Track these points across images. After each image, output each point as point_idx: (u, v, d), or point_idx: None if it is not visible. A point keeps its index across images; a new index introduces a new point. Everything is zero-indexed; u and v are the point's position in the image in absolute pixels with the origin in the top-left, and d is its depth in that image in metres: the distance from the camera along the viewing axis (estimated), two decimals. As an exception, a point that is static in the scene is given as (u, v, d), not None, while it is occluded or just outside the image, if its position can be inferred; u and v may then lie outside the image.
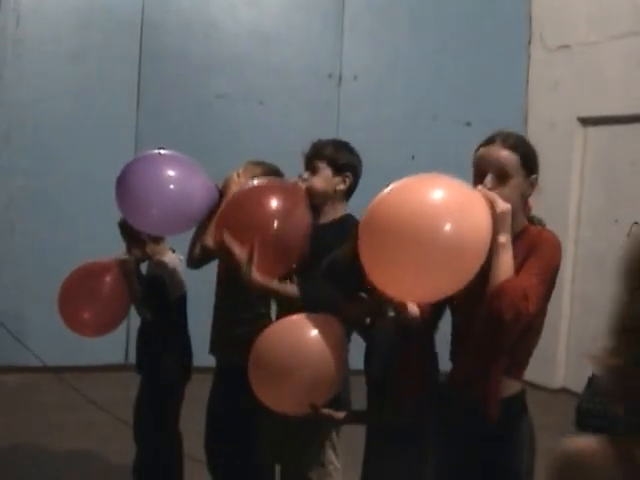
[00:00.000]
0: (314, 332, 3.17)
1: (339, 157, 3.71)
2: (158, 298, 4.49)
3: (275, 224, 3.43)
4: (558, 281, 2.79)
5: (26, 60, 7.69)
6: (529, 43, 8.91)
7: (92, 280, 4.52)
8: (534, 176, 2.86)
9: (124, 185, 3.83)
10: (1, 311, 7.00)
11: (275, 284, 3.52)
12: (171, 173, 3.86)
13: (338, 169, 3.70)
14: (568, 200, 8.25)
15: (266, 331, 3.27)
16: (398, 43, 8.66)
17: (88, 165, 7.64)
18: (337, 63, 8.49)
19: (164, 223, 3.95)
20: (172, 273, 4.53)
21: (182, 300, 4.62)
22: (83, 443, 5.77)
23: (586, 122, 8.21)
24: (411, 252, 2.49)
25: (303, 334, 3.19)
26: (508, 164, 2.80)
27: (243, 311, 4.18)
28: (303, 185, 3.67)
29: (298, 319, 3.28)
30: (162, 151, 3.97)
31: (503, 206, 2.66)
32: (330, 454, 3.73)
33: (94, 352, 6.69)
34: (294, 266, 3.58)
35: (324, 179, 3.69)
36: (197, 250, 4.18)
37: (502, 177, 2.78)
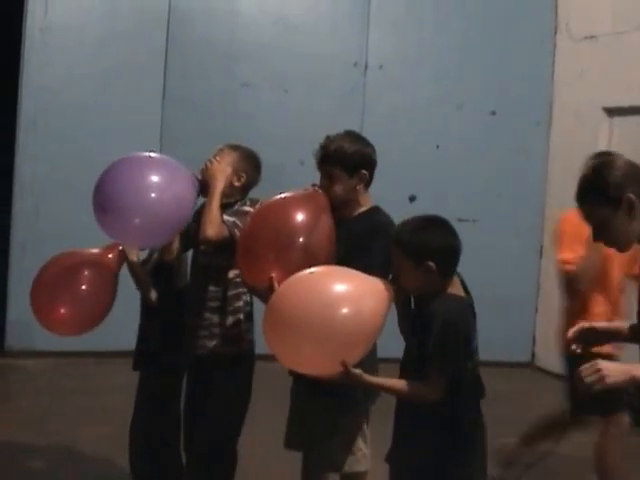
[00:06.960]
0: (358, 285, 3.03)
1: (349, 158, 3.59)
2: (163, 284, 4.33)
3: (300, 240, 3.33)
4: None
5: (53, 47, 7.76)
6: (555, 33, 8.86)
7: (75, 272, 4.17)
8: (626, 197, 2.73)
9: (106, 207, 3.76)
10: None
11: None
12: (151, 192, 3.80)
13: (352, 170, 3.59)
14: (592, 191, 8.17)
15: (299, 276, 3.09)
16: (424, 32, 8.65)
17: (113, 153, 7.54)
18: (363, 52, 8.49)
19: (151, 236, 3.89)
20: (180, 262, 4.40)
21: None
22: (105, 427, 5.79)
23: (611, 112, 8.13)
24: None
25: (344, 285, 3.03)
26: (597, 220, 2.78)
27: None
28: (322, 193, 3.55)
29: (340, 269, 3.16)
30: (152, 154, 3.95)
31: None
32: (359, 441, 3.72)
33: (113, 338, 6.67)
34: None
35: (342, 185, 3.60)
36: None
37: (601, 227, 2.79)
